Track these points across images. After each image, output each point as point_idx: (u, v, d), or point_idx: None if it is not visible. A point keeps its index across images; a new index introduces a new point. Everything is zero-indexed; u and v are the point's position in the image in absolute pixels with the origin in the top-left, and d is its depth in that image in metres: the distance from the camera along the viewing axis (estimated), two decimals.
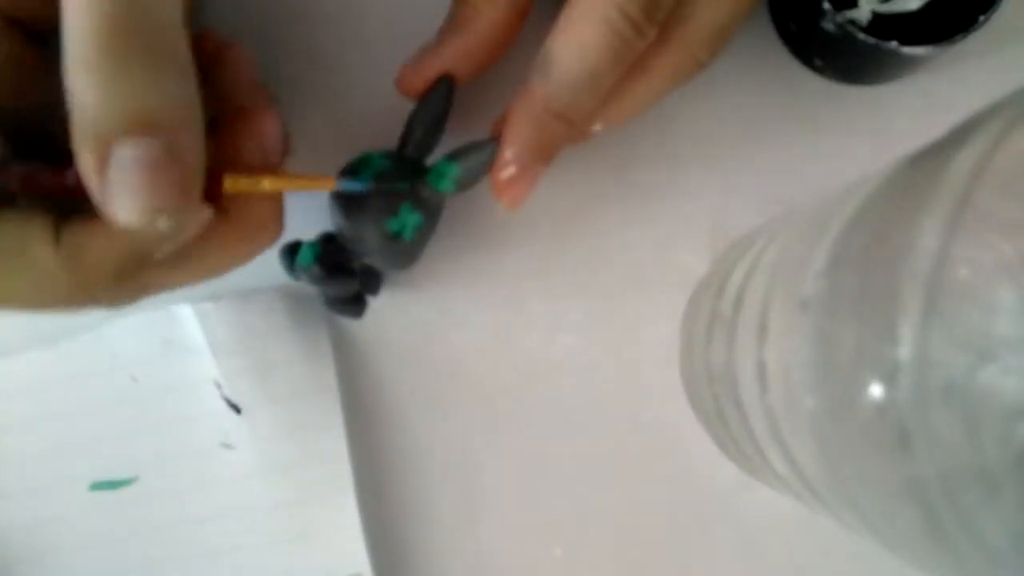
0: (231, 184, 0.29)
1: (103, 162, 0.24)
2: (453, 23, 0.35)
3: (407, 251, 0.36)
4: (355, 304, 0.39)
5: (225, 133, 0.31)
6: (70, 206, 0.26)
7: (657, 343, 0.40)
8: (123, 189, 0.24)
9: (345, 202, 0.35)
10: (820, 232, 0.23)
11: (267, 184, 0.30)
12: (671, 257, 0.40)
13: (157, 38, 0.25)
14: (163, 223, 0.25)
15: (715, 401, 0.33)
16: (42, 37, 0.28)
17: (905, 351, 0.17)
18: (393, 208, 0.34)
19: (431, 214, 0.35)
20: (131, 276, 0.28)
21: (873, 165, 0.24)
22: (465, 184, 0.34)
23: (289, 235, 0.34)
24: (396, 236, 0.34)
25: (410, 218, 0.34)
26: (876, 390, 0.18)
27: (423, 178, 0.34)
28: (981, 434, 0.16)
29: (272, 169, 0.31)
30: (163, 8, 0.25)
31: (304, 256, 0.36)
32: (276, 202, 0.32)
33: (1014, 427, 0.15)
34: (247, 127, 0.31)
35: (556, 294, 0.41)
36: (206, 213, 0.28)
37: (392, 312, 0.41)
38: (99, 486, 0.40)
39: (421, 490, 0.41)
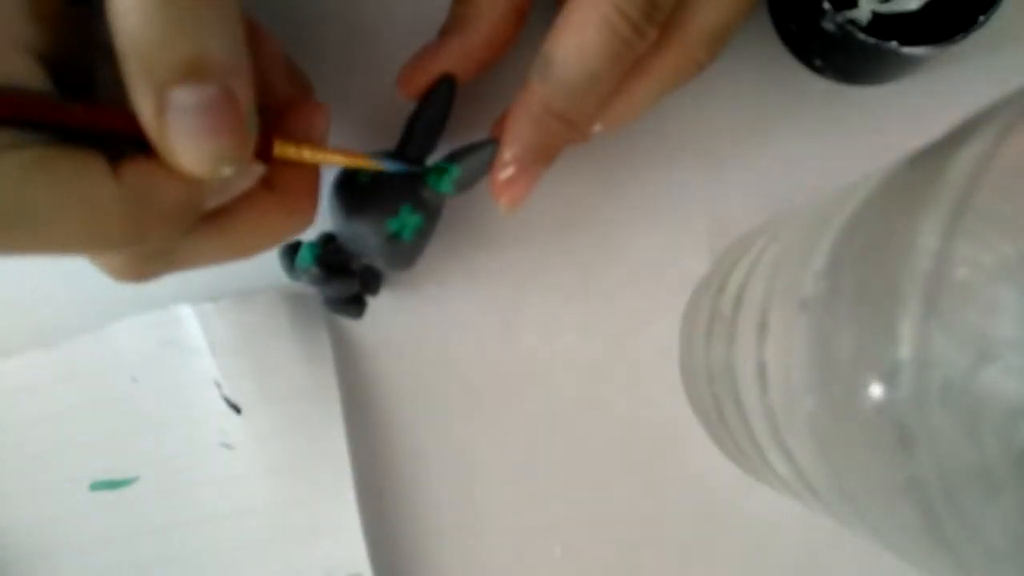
0: (279, 149, 0.29)
1: (162, 107, 0.24)
2: (453, 23, 0.35)
3: (406, 252, 0.36)
4: (355, 304, 0.39)
5: (275, 121, 0.31)
6: (118, 147, 0.26)
7: (657, 343, 0.40)
8: (185, 135, 0.25)
9: (345, 202, 0.35)
10: (820, 232, 0.23)
11: (311, 155, 0.31)
12: (671, 257, 0.40)
13: None
14: (227, 171, 0.26)
15: (715, 401, 0.32)
16: None
17: (905, 351, 0.17)
18: (393, 209, 0.34)
19: (431, 215, 0.35)
20: (186, 222, 0.28)
21: (873, 165, 0.24)
22: (465, 185, 0.34)
23: None
24: (395, 237, 0.34)
25: (410, 219, 0.34)
26: (876, 390, 0.18)
27: (423, 179, 0.34)
28: (981, 434, 0.15)
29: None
30: None
31: (303, 256, 0.36)
32: (314, 181, 0.33)
33: (1014, 427, 0.15)
34: (297, 117, 0.31)
35: (556, 294, 0.41)
36: (259, 168, 0.29)
37: (392, 312, 0.41)
38: (99, 486, 0.40)
39: (421, 490, 0.41)
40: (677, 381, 0.40)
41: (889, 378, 0.17)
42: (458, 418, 0.41)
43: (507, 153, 0.33)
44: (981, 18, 0.34)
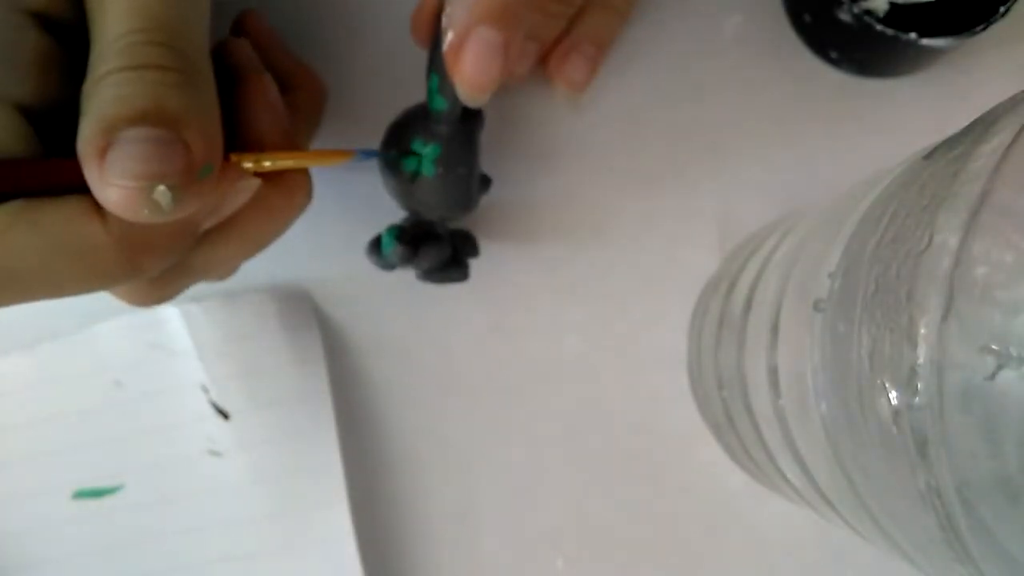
0: (235, 160, 0.29)
1: (106, 147, 0.24)
2: None
3: (444, 188, 0.35)
4: (455, 268, 0.38)
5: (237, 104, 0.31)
6: None
7: (664, 346, 0.40)
8: (118, 162, 0.24)
9: (382, 169, 0.35)
10: (834, 230, 0.23)
11: (271, 163, 0.30)
12: (678, 256, 0.40)
13: (187, 45, 0.26)
14: (163, 199, 0.25)
15: (724, 407, 0.32)
16: (70, 37, 0.28)
17: (922, 354, 0.16)
18: (406, 148, 0.34)
19: (449, 141, 0.34)
20: (181, 248, 0.28)
21: (890, 161, 0.23)
22: (454, 91, 0.31)
23: (372, 231, 0.35)
24: (417, 175, 0.34)
25: (423, 151, 0.34)
26: (892, 395, 0.17)
27: (423, 107, 0.34)
28: (1000, 441, 0.15)
29: (280, 142, 0.31)
30: (197, 16, 0.27)
31: (386, 243, 0.35)
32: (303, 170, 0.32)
33: None
34: (247, 95, 0.31)
35: (559, 295, 0.40)
36: (254, 183, 0.29)
37: (388, 312, 0.41)
38: (82, 494, 0.40)
39: (418, 499, 0.40)
40: (685, 385, 0.39)
41: (906, 382, 0.17)
42: (457, 423, 0.41)
43: (443, 16, 0.29)
44: (1002, 8, 0.34)
